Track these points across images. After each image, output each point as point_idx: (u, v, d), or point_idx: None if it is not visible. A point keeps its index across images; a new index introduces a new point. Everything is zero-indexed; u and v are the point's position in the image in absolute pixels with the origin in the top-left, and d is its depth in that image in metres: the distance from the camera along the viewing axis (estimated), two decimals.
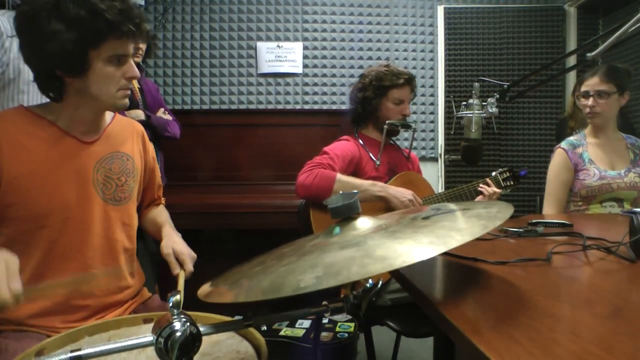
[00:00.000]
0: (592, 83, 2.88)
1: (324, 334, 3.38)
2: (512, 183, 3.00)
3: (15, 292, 1.23)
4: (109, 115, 1.86)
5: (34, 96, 2.65)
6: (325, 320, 3.54)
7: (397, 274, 1.41)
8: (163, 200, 2.22)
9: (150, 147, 2.06)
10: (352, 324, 3.56)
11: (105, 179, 1.76)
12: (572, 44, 5.25)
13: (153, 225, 2.07)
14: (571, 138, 3.06)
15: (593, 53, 1.87)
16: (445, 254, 1.52)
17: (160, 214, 2.11)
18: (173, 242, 1.84)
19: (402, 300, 2.51)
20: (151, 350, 0.92)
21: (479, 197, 2.90)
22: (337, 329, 3.48)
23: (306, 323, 3.52)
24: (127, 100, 1.72)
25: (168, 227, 1.97)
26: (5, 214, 1.60)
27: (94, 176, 1.72)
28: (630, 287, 1.26)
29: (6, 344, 1.53)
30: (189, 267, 1.74)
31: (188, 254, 1.79)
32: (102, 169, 1.75)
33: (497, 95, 2.33)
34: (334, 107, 5.24)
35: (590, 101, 2.87)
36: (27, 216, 1.61)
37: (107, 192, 1.77)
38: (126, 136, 1.90)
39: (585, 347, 0.79)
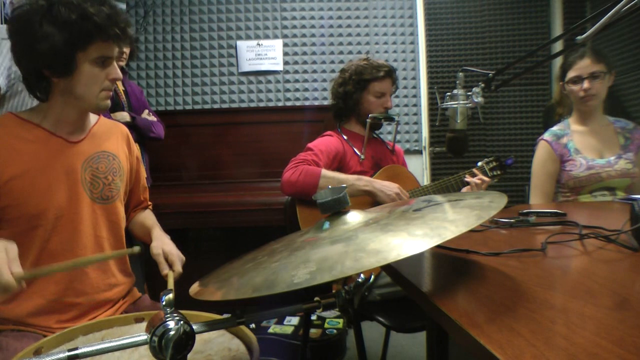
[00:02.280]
0: (584, 65, 2.80)
1: (312, 330, 3.36)
2: (498, 172, 2.98)
3: (17, 275, 1.29)
4: (93, 117, 1.93)
5: None
6: (313, 317, 3.53)
7: (389, 268, 1.39)
8: (150, 204, 2.26)
9: (135, 148, 2.11)
10: (341, 320, 3.55)
11: (93, 178, 1.82)
12: (557, 29, 5.21)
13: (141, 229, 2.10)
14: (554, 128, 3.00)
15: (583, 36, 1.83)
16: (437, 246, 1.50)
17: (148, 218, 2.13)
18: (163, 243, 1.86)
19: (392, 295, 2.50)
20: (144, 349, 0.91)
21: (465, 188, 2.87)
22: (326, 325, 3.47)
23: (294, 320, 3.51)
24: (109, 102, 1.79)
25: (158, 230, 1.99)
26: (1, 215, 1.66)
27: (82, 175, 1.78)
28: (634, 276, 1.21)
29: (6, 342, 1.58)
30: (178, 268, 1.77)
31: (177, 255, 1.82)
32: (90, 168, 1.81)
33: (482, 85, 2.31)
34: (316, 103, 5.21)
35: (585, 84, 2.78)
36: (21, 217, 1.67)
37: (95, 191, 1.82)
38: (111, 136, 1.97)
39: (593, 340, 0.77)
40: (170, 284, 1.64)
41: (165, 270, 1.75)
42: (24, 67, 1.67)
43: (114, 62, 1.73)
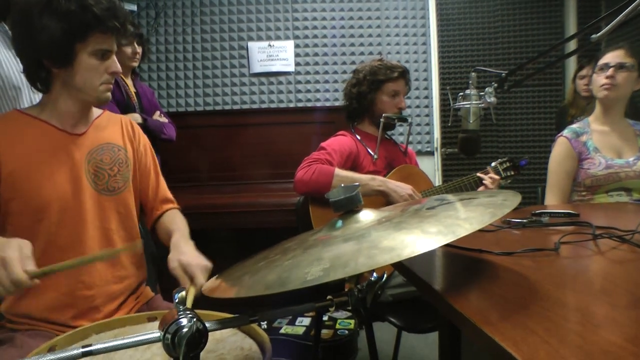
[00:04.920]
0: (616, 55, 2.73)
1: (324, 331, 3.36)
2: (512, 173, 2.98)
3: (30, 272, 1.31)
4: (97, 110, 1.94)
5: None
6: (325, 318, 3.53)
7: (402, 267, 1.39)
8: (176, 204, 2.13)
9: (143, 136, 2.08)
10: (352, 321, 3.54)
11: (97, 169, 1.82)
12: (571, 28, 5.17)
13: (164, 234, 1.95)
14: (574, 126, 2.96)
15: (598, 34, 1.79)
16: (450, 245, 1.49)
17: (173, 222, 1.97)
18: (179, 254, 1.66)
19: (404, 295, 2.49)
20: (156, 347, 0.92)
21: (481, 188, 2.87)
22: (337, 326, 3.46)
23: (306, 321, 3.50)
24: (109, 94, 1.80)
25: (177, 236, 1.81)
26: (7, 209, 1.68)
27: (85, 167, 1.79)
28: None
29: (22, 340, 1.59)
30: (200, 280, 1.52)
31: (197, 266, 1.58)
32: (93, 160, 1.81)
33: (495, 85, 2.29)
34: (328, 104, 5.21)
35: (609, 71, 2.71)
36: (26, 210, 1.68)
37: (100, 183, 1.82)
38: (115, 128, 1.97)
39: (608, 338, 0.76)
40: (190, 300, 1.40)
41: (185, 285, 1.53)
42: (24, 57, 1.70)
43: (113, 56, 1.75)
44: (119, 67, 1.78)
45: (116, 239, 1.86)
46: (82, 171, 1.77)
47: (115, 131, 1.95)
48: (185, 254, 1.67)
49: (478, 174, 2.91)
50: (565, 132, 2.94)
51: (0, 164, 1.64)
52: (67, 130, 1.77)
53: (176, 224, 1.95)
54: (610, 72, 2.71)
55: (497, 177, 2.90)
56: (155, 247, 2.98)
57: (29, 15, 1.58)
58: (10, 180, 1.65)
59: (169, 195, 2.13)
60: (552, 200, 2.93)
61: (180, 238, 1.80)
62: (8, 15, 2.50)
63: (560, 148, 2.92)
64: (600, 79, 2.77)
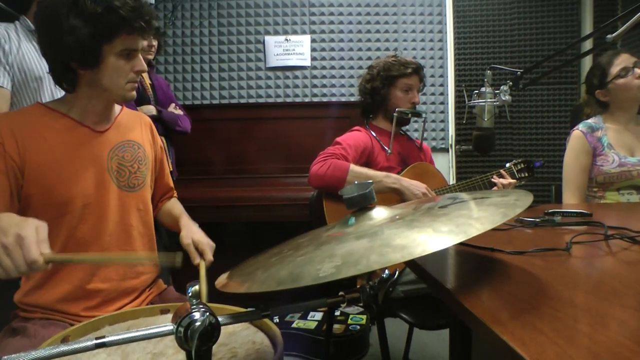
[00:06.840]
0: (625, 58, 2.75)
1: (336, 326, 3.37)
2: (526, 175, 2.97)
3: (45, 256, 1.29)
4: (117, 106, 1.95)
5: None
6: (337, 313, 3.54)
7: (414, 265, 1.39)
8: (175, 193, 2.28)
9: (158, 137, 2.14)
10: (364, 316, 3.55)
11: (119, 166, 1.85)
12: (587, 27, 5.11)
13: (169, 218, 2.14)
14: (589, 121, 2.93)
15: (613, 34, 1.78)
16: (462, 244, 1.50)
17: (175, 207, 2.17)
18: (192, 233, 1.90)
19: (415, 292, 2.49)
20: (169, 339, 0.93)
21: (493, 189, 2.86)
22: (349, 321, 3.47)
23: (318, 315, 3.52)
24: (134, 93, 1.82)
25: (185, 219, 2.03)
26: (29, 202, 1.68)
27: (108, 164, 1.81)
28: None
29: (34, 329, 1.61)
30: (209, 256, 1.81)
31: (207, 244, 1.86)
32: (116, 157, 1.84)
33: (510, 83, 2.29)
34: (343, 99, 5.21)
35: (637, 70, 2.71)
36: (48, 204, 1.69)
37: (122, 179, 1.85)
38: (135, 126, 2.00)
39: (617, 340, 0.76)
40: (202, 274, 1.67)
41: (196, 259, 1.78)
42: (50, 58, 1.70)
43: (139, 55, 1.76)
44: (144, 66, 1.79)
45: (135, 234, 1.91)
46: (105, 168, 1.80)
47: (136, 129, 1.99)
48: (196, 233, 1.91)
49: (493, 178, 2.90)
50: (581, 126, 2.92)
51: (26, 159, 1.64)
52: (91, 127, 1.79)
53: (177, 208, 2.16)
54: (638, 70, 2.71)
55: (513, 180, 2.89)
56: (168, 240, 3.01)
57: (55, 17, 1.58)
58: (35, 175, 1.66)
59: (171, 184, 2.26)
60: (570, 197, 2.90)
61: (189, 220, 2.02)
62: (29, 9, 2.54)
63: (575, 142, 2.90)
64: (632, 81, 2.74)
